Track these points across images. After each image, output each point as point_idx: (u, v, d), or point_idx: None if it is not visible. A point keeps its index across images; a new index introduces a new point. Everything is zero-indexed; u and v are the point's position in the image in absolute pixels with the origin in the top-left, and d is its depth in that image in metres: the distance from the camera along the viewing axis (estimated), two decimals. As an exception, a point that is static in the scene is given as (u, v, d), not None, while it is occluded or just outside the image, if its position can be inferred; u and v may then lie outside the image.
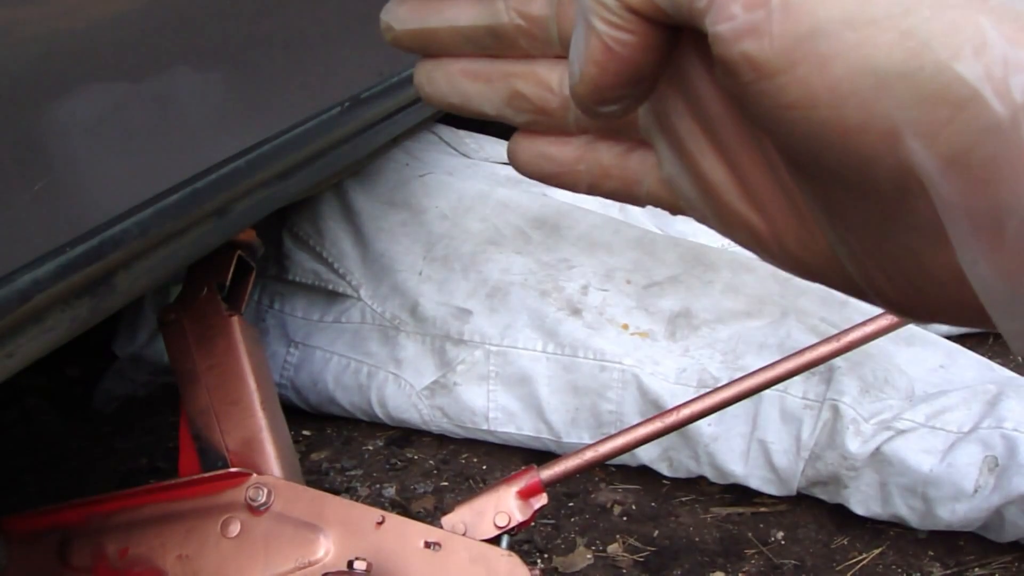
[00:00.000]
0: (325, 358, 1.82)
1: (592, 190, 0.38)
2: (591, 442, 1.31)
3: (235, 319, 1.40)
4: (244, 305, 1.46)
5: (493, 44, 0.36)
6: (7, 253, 0.90)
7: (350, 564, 1.18)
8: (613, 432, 1.39)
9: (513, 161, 0.38)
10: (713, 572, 1.49)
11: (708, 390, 1.36)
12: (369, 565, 1.18)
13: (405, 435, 1.80)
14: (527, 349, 1.69)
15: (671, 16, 0.29)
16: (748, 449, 1.58)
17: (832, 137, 0.27)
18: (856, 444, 1.50)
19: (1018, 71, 0.24)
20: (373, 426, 1.82)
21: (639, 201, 0.37)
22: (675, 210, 0.36)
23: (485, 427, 1.72)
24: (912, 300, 0.30)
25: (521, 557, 1.22)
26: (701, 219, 0.35)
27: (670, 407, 1.36)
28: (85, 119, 0.99)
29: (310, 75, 1.36)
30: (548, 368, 1.68)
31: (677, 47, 0.31)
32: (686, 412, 1.31)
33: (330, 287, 1.84)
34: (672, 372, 1.62)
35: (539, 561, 1.48)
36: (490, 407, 1.71)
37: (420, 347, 1.76)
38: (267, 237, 1.79)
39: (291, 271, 1.87)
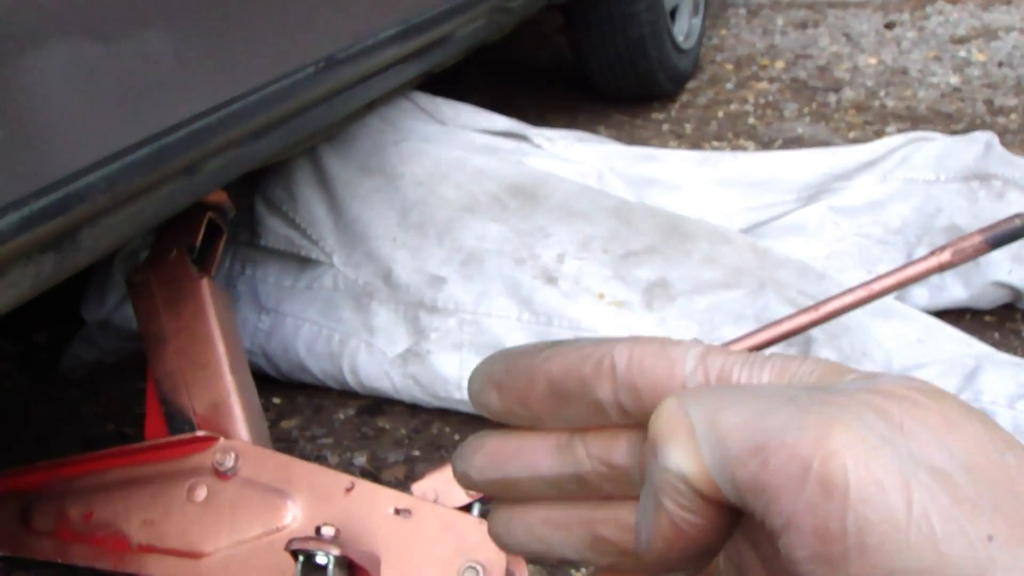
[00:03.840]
0: (297, 325, 1.79)
1: None
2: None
3: (204, 281, 1.37)
4: (215, 268, 1.44)
5: (576, 489, 0.36)
6: (-34, 203, 0.87)
7: (318, 530, 1.16)
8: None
9: None
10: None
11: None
12: (337, 531, 1.16)
13: (377, 404, 1.77)
14: (501, 317, 1.67)
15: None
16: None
17: None
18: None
19: None
20: (344, 394, 1.80)
21: None
22: None
23: (458, 396, 1.70)
24: None
25: (493, 525, 1.20)
26: None
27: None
28: (51, 68, 0.96)
29: (285, 32, 1.34)
30: (522, 336, 1.66)
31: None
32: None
33: (303, 253, 1.82)
34: (648, 342, 1.60)
35: (511, 531, 1.46)
36: (463, 376, 1.68)
37: (393, 314, 1.73)
38: (240, 202, 1.76)
39: (263, 236, 1.84)
